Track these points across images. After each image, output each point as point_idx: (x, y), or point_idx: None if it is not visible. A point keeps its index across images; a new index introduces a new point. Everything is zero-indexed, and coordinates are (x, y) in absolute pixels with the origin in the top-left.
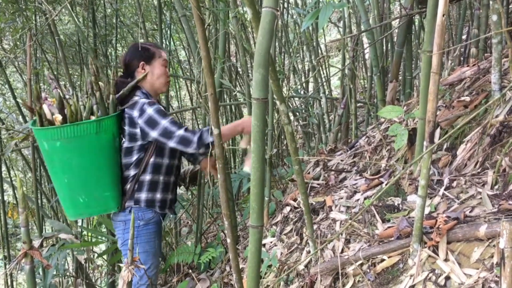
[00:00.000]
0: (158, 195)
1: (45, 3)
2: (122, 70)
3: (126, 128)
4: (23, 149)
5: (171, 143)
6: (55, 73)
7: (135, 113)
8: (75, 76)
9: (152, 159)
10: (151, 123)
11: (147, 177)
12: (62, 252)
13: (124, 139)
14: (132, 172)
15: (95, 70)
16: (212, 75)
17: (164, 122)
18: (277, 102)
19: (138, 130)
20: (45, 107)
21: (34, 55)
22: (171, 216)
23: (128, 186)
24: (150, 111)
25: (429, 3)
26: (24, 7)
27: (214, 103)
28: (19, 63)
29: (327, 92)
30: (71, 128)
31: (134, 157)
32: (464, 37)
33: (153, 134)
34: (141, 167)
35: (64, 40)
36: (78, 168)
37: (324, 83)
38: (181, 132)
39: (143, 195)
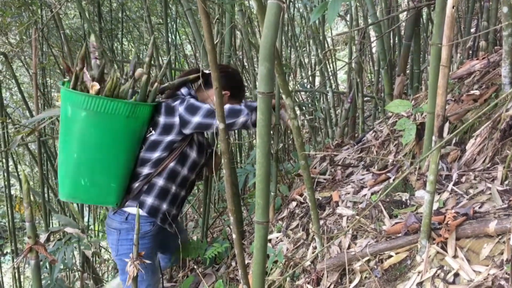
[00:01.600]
0: (164, 206)
1: None
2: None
3: (162, 118)
4: (30, 143)
5: (217, 125)
6: (61, 67)
7: (176, 102)
8: None
9: (172, 164)
10: (192, 109)
11: (160, 181)
12: (69, 246)
13: (152, 131)
14: (146, 170)
15: (151, 53)
16: (218, 69)
17: (206, 106)
18: (283, 96)
19: (176, 119)
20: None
21: (40, 50)
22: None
23: (136, 184)
24: (191, 100)
25: None
26: (30, 1)
27: (219, 97)
28: (26, 57)
29: (333, 86)
30: (104, 102)
31: (157, 153)
32: (472, 30)
33: (195, 119)
34: (158, 167)
35: (70, 35)
36: (93, 148)
37: (331, 77)
38: (226, 106)
39: (149, 200)
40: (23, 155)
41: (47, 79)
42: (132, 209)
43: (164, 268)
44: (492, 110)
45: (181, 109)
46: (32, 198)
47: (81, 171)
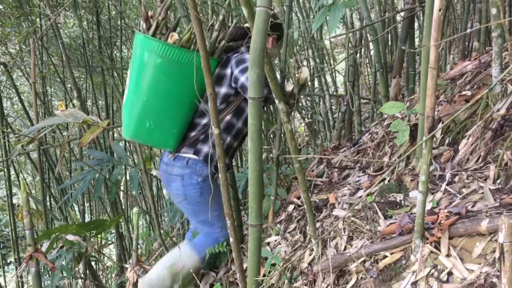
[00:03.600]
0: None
1: (45, 7)
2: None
3: (217, 69)
4: (31, 152)
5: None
6: (61, 76)
7: (231, 54)
8: (82, 79)
9: (228, 117)
10: (240, 61)
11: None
12: (69, 253)
13: None
14: (204, 121)
15: (223, 18)
16: (211, 75)
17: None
18: (276, 101)
19: (228, 71)
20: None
21: (40, 59)
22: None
23: (192, 133)
24: (245, 55)
25: None
26: (28, 11)
27: (213, 103)
28: (26, 67)
29: (333, 89)
30: (181, 52)
31: None
32: (469, 31)
33: (241, 79)
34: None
35: (69, 43)
36: (163, 93)
37: (328, 80)
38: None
39: (205, 148)
40: (24, 164)
41: (47, 87)
42: (191, 154)
43: None
44: (484, 110)
45: (233, 61)
46: (34, 206)
47: (148, 114)
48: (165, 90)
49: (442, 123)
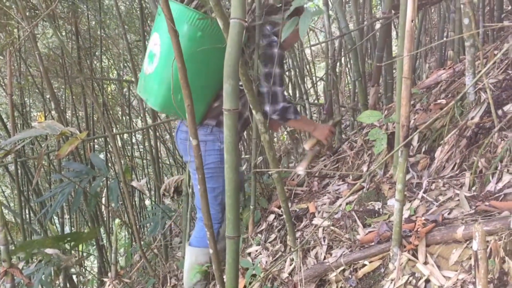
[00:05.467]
0: (238, 126)
1: (22, 19)
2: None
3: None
4: (9, 164)
5: (262, 89)
6: (40, 86)
7: (263, 41)
8: (61, 90)
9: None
10: (267, 57)
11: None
12: (47, 268)
13: None
14: None
15: None
16: (188, 86)
17: (276, 70)
18: (253, 112)
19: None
20: None
21: (17, 70)
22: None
23: (216, 104)
24: (274, 49)
25: (401, 9)
26: (5, 22)
27: (191, 114)
28: (3, 78)
29: (314, 98)
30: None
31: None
32: (443, 40)
33: (261, 68)
34: (240, 93)
35: (48, 54)
36: (199, 66)
37: (308, 89)
38: (279, 88)
39: None
40: (3, 176)
41: (26, 98)
42: (214, 122)
43: None
44: (459, 118)
45: (260, 50)
46: (13, 219)
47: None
48: (202, 63)
49: (420, 132)
